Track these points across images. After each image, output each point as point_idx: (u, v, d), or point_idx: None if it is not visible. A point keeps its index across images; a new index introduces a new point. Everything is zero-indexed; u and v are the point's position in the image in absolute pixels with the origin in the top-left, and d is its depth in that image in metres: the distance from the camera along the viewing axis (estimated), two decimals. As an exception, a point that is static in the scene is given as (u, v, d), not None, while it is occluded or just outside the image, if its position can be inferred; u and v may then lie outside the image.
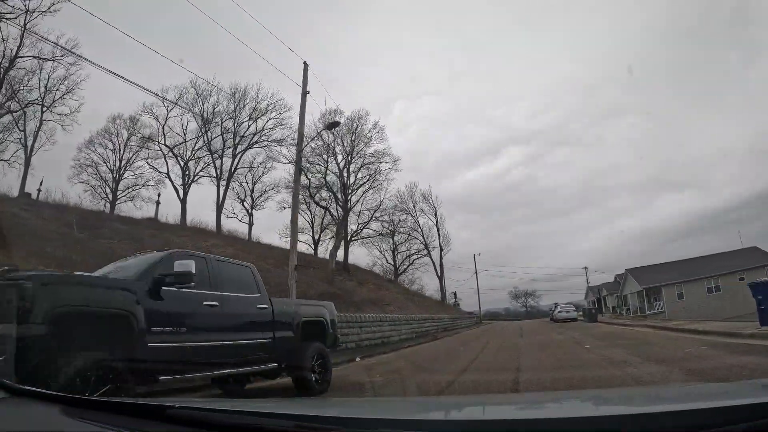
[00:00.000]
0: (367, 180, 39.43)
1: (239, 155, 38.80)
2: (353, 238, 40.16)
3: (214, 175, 37.40)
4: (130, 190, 34.62)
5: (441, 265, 52.85)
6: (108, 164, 34.30)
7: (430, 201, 53.35)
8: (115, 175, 34.44)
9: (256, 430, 1.55)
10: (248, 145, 38.91)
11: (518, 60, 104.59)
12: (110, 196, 33.87)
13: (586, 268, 69.82)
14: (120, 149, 34.75)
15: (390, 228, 43.48)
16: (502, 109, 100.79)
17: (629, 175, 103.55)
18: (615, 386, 5.81)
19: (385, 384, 7.71)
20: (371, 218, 40.49)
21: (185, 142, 37.86)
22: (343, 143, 38.68)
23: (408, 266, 54.16)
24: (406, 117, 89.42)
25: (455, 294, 62.85)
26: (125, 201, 34.15)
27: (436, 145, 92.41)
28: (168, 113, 35.87)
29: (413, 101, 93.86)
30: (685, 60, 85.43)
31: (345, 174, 38.48)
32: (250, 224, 38.98)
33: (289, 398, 6.10)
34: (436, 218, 53.39)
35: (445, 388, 6.76)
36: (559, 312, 38.78)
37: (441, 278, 53.05)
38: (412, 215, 52.36)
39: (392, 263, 54.11)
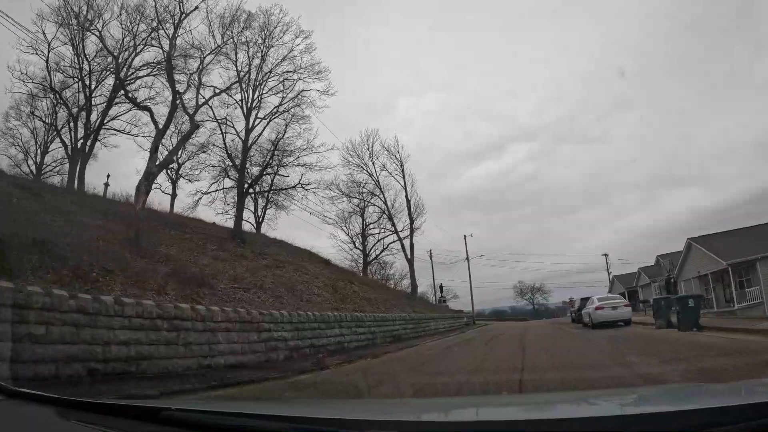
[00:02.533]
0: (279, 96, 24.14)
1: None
2: (252, 189, 24.75)
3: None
4: (56, 163, 27.09)
5: (411, 246, 37.25)
6: (36, 136, 26.93)
7: (397, 156, 37.75)
8: (39, 147, 27.14)
9: None
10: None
11: (525, 53, 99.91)
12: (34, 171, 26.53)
13: (606, 254, 55.28)
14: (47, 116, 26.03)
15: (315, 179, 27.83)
16: (508, 104, 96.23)
17: (637, 171, 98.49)
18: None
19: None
20: (272, 152, 24.89)
21: (79, 81, 23.99)
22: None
23: (382, 251, 39.01)
24: (411, 113, 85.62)
25: (441, 287, 47.46)
26: (50, 176, 26.36)
27: (441, 143, 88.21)
28: (50, 43, 22.96)
29: (418, 97, 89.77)
30: (692, 53, 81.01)
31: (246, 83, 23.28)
32: (173, 195, 28.44)
33: (284, 400, 5.79)
34: (404, 178, 37.76)
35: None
36: (598, 309, 20.63)
37: (411, 263, 37.43)
38: (370, 174, 36.93)
39: (360, 248, 39.22)
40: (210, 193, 25.43)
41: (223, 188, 25.02)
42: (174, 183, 29.14)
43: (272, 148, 24.25)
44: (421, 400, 4.41)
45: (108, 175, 26.39)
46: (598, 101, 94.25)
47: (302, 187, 25.61)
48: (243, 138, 23.76)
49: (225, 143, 24.11)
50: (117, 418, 1.65)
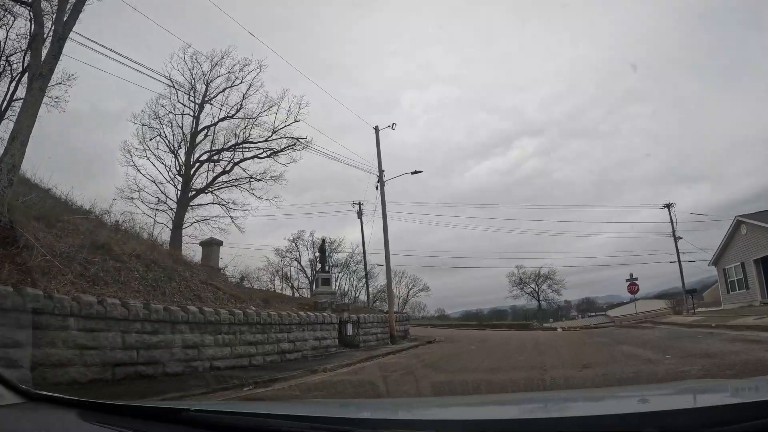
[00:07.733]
0: None
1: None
2: None
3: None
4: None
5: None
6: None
7: None
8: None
9: None
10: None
11: (533, 46, 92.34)
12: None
13: (669, 204, 35.77)
14: None
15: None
16: (516, 98, 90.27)
17: (646, 168, 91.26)
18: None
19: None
20: None
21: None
22: None
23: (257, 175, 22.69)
24: (415, 109, 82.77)
25: (322, 248, 28.61)
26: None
27: (446, 139, 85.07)
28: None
29: (422, 91, 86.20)
30: (704, 45, 79.31)
31: None
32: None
33: (302, 400, 5.73)
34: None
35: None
36: None
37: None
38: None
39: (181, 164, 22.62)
40: None
41: None
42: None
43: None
44: (433, 399, 4.42)
45: None
46: (609, 95, 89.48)
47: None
48: None
49: None
50: (137, 419, 1.67)
